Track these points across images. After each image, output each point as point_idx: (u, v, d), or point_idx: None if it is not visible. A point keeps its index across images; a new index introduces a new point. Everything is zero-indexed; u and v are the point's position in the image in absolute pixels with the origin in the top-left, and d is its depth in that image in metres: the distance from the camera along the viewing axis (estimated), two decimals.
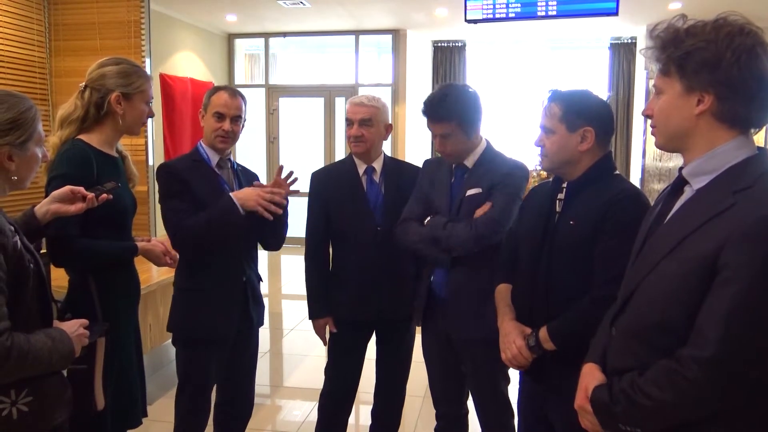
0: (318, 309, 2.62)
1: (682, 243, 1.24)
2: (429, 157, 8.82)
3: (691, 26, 1.26)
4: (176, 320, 2.45)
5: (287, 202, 2.46)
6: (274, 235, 2.54)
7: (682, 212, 1.31)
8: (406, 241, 2.36)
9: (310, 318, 2.66)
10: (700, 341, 1.16)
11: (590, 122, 1.82)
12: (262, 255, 2.65)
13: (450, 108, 2.22)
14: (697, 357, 1.16)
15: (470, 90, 2.30)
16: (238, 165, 2.57)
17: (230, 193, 2.32)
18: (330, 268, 2.64)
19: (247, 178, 2.57)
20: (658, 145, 1.36)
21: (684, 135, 1.29)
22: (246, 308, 2.49)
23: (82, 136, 2.07)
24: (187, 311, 2.42)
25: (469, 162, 2.32)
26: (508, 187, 2.20)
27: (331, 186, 2.58)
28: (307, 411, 3.57)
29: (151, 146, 5.38)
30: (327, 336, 2.66)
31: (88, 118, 2.07)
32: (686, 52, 1.23)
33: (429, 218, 2.31)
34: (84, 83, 2.09)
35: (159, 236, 2.51)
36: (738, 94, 1.22)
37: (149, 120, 2.30)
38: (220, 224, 2.29)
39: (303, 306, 2.76)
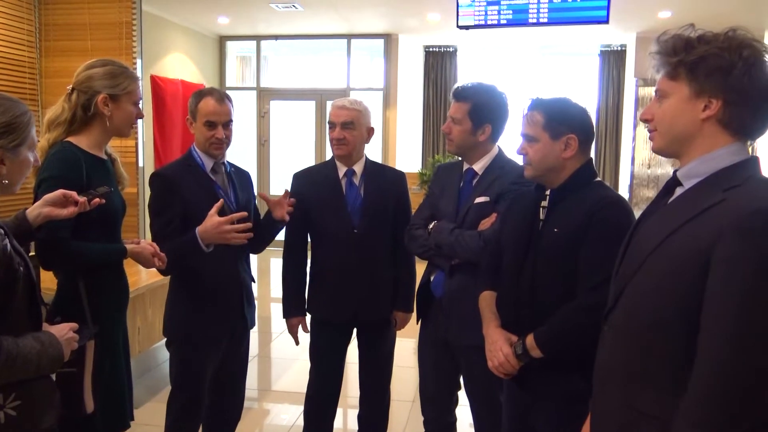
0: (291, 308, 2.65)
1: (669, 238, 1.26)
2: (419, 162, 8.90)
3: (702, 35, 1.29)
4: (172, 323, 2.46)
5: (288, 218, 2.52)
6: (260, 240, 2.55)
7: (670, 209, 1.34)
8: (413, 248, 2.37)
9: (283, 317, 2.69)
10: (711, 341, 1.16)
11: (573, 129, 1.84)
12: (252, 258, 2.66)
13: (469, 90, 2.29)
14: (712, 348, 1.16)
15: (500, 91, 2.33)
16: (231, 166, 2.57)
17: (196, 229, 2.25)
18: (309, 268, 2.67)
19: (240, 179, 2.57)
20: (656, 149, 1.38)
21: (686, 139, 1.31)
22: (241, 310, 2.50)
23: (70, 139, 2.05)
24: (183, 314, 2.42)
25: (479, 167, 2.32)
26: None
27: (311, 187, 2.60)
28: (295, 415, 3.56)
29: (141, 148, 5.36)
30: (308, 338, 2.68)
31: (75, 120, 2.05)
32: (700, 57, 1.26)
33: (434, 223, 2.32)
34: (71, 86, 2.08)
35: (148, 238, 2.50)
36: (745, 101, 1.26)
37: (139, 121, 2.28)
38: (183, 259, 2.29)
39: None
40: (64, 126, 2.06)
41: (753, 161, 1.29)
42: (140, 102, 2.18)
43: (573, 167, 1.86)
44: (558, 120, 1.84)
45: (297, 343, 2.70)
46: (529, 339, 1.81)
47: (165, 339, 2.53)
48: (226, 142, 2.42)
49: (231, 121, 2.43)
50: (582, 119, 1.88)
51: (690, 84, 1.28)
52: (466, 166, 2.37)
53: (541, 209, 1.90)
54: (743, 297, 1.13)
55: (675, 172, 1.36)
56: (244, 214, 2.33)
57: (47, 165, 1.97)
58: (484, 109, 2.27)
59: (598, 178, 1.92)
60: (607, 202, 1.79)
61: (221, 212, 2.32)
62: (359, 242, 2.52)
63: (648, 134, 1.41)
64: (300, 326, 2.67)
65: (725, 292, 1.15)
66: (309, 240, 2.67)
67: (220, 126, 2.38)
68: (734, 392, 1.14)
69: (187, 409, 2.46)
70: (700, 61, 1.26)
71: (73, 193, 1.78)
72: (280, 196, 2.53)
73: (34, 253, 1.97)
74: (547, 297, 1.82)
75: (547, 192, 1.91)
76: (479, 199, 2.26)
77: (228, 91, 2.50)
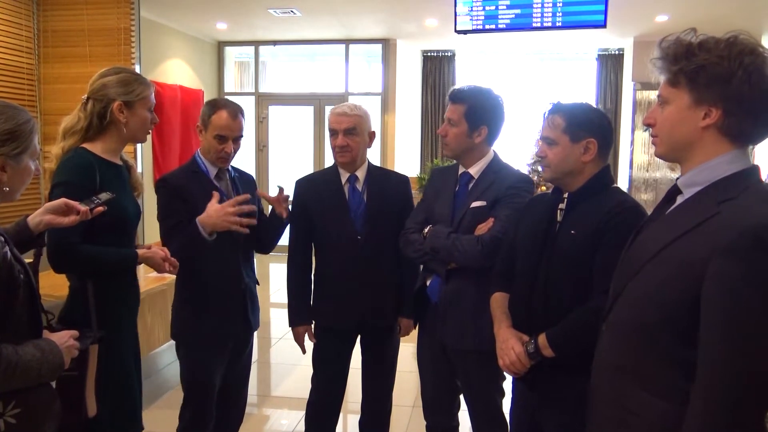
0: (297, 316, 2.64)
1: (666, 248, 1.28)
2: (418, 166, 8.90)
3: (703, 41, 1.28)
4: (180, 329, 2.49)
5: (288, 213, 2.55)
6: (267, 239, 2.60)
7: (668, 218, 1.36)
8: (408, 252, 2.37)
9: (289, 325, 2.68)
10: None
11: (593, 134, 1.86)
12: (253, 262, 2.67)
13: (466, 92, 2.30)
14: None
15: (495, 94, 2.35)
16: (235, 171, 2.58)
17: (196, 219, 2.28)
18: (313, 275, 2.66)
19: (244, 184, 2.59)
20: (659, 154, 1.40)
21: (686, 146, 1.32)
22: (245, 314, 2.51)
23: (85, 145, 2.07)
24: (190, 320, 2.45)
25: (475, 171, 2.33)
26: (512, 201, 2.21)
27: (314, 194, 2.60)
28: (295, 421, 3.56)
29: (140, 154, 5.36)
30: (310, 345, 2.67)
31: (91, 128, 2.08)
32: (700, 66, 1.26)
33: (429, 227, 2.31)
34: (86, 95, 2.10)
35: (148, 242, 2.51)
36: (745, 110, 1.26)
37: None
38: (188, 251, 2.29)
39: None
40: (80, 134, 2.08)
41: (751, 170, 1.29)
42: (153, 107, 2.19)
43: (591, 171, 1.88)
44: (578, 124, 1.86)
45: (304, 351, 2.68)
46: (542, 338, 1.82)
47: (171, 343, 2.54)
48: (233, 155, 2.45)
49: (241, 136, 2.46)
50: (602, 124, 1.90)
51: (690, 92, 1.29)
52: (461, 170, 2.37)
53: (558, 212, 1.92)
54: (737, 318, 1.15)
55: (676, 180, 1.37)
56: (247, 196, 2.36)
57: (60, 172, 1.99)
58: (480, 111, 2.28)
59: (615, 185, 1.94)
60: (624, 207, 1.82)
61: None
62: (363, 248, 2.51)
63: (648, 138, 1.42)
64: (306, 334, 2.65)
65: (719, 313, 1.17)
66: (313, 247, 2.67)
67: (231, 141, 2.41)
68: (730, 411, 1.16)
69: (198, 414, 2.47)
70: (699, 70, 1.26)
71: (75, 204, 1.78)
72: (276, 195, 2.55)
73: (31, 260, 1.97)
74: (561, 298, 1.84)
75: (565, 195, 1.93)
76: (475, 204, 2.26)
77: (226, 97, 2.51)
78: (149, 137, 2.30)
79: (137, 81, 2.12)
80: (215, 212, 2.27)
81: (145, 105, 2.13)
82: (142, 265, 2.13)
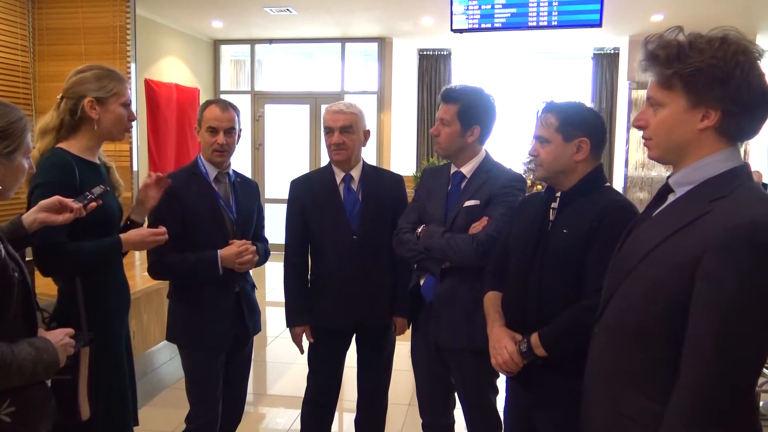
0: (295, 317, 2.63)
1: (658, 248, 1.26)
2: (414, 165, 8.91)
3: (693, 41, 1.25)
4: (174, 330, 2.50)
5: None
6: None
7: (659, 218, 1.34)
8: (401, 252, 2.37)
9: (287, 326, 2.67)
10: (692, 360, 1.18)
11: (586, 133, 1.86)
12: None
13: (458, 92, 2.30)
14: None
15: (487, 93, 2.35)
16: (237, 177, 2.57)
17: (218, 251, 2.36)
18: (309, 275, 2.65)
19: (246, 190, 2.58)
20: (654, 157, 1.38)
21: (683, 148, 1.30)
22: (241, 318, 2.51)
23: (61, 145, 2.05)
24: (183, 322, 2.46)
25: (467, 170, 2.33)
26: (505, 200, 2.21)
27: (309, 194, 2.60)
28: (291, 419, 3.56)
29: (135, 152, 5.35)
30: (306, 344, 2.67)
31: (63, 126, 2.05)
32: (697, 68, 1.23)
33: (422, 227, 2.32)
34: (60, 95, 2.08)
35: None
36: (744, 110, 1.24)
37: (133, 125, 2.27)
38: (198, 274, 2.39)
39: None
40: (53, 133, 2.05)
41: (742, 169, 1.28)
42: (130, 103, 2.16)
43: (584, 170, 1.88)
44: (571, 123, 1.87)
45: (302, 351, 2.68)
46: (534, 337, 1.83)
47: (167, 342, 2.54)
48: (227, 149, 2.43)
49: (233, 128, 2.45)
50: (595, 123, 1.90)
51: (687, 96, 1.26)
52: (453, 169, 2.37)
53: (551, 210, 1.92)
54: (724, 316, 1.14)
55: (668, 178, 1.36)
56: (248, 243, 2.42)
57: (39, 171, 1.96)
58: (472, 110, 2.28)
59: (608, 184, 1.94)
60: (617, 206, 1.82)
61: (221, 222, 2.42)
62: (359, 248, 2.51)
63: (642, 138, 1.40)
64: (304, 334, 2.64)
65: (706, 310, 1.15)
66: (309, 247, 2.66)
67: (222, 132, 2.40)
68: (711, 412, 1.15)
69: (201, 416, 2.47)
70: (696, 74, 1.23)
71: (69, 201, 1.77)
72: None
73: (30, 259, 1.96)
74: (554, 297, 1.84)
75: (558, 194, 1.93)
76: (469, 203, 2.26)
77: (222, 95, 2.52)
78: (146, 137, 2.29)
79: (109, 77, 2.08)
80: (232, 254, 2.37)
81: (118, 101, 2.09)
82: (140, 262, 2.12)
